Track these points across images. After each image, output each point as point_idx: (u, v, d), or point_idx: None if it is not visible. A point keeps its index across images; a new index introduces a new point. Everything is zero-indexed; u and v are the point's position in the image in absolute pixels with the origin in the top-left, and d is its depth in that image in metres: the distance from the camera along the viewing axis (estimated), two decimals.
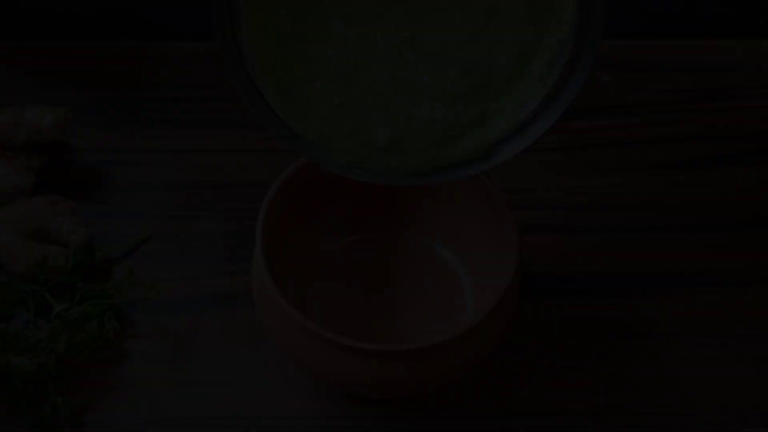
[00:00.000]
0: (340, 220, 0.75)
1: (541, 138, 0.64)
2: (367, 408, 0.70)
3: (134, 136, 0.84)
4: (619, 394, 0.70)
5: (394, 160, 0.64)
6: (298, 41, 0.63)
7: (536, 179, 0.82)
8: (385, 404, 0.70)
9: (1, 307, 0.70)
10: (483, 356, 0.66)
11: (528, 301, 0.74)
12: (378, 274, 0.74)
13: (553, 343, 0.73)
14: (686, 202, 0.81)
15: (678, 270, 0.77)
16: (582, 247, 0.78)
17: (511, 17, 0.63)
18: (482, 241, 0.71)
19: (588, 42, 0.62)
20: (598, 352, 0.72)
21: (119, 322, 0.73)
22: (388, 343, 0.65)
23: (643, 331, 0.74)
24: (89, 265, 0.75)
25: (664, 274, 0.77)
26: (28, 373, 0.68)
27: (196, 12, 0.93)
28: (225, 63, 0.62)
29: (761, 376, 0.72)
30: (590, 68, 0.62)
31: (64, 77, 0.88)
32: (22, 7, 0.93)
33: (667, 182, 0.82)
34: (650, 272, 0.77)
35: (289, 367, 0.71)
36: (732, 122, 0.87)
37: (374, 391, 0.66)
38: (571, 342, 0.73)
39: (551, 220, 0.80)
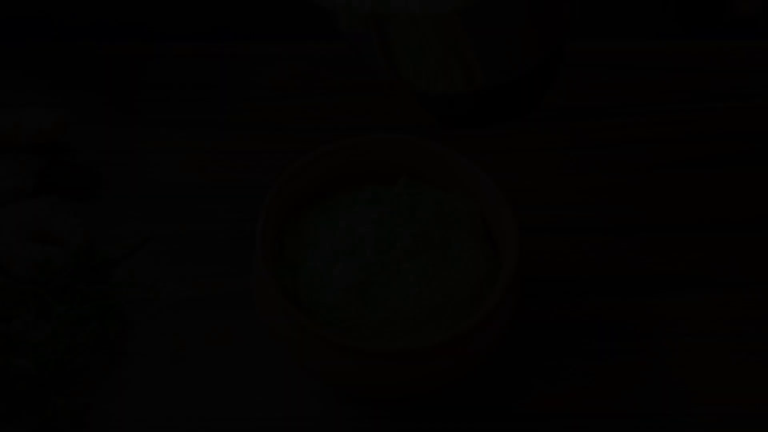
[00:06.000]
0: None
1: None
2: (367, 408, 0.70)
3: (134, 136, 0.84)
4: (620, 395, 0.70)
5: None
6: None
7: (536, 179, 0.82)
8: (385, 404, 0.70)
9: (2, 308, 0.70)
10: (483, 356, 0.66)
11: (528, 301, 0.74)
12: None
13: (554, 343, 0.73)
14: (686, 202, 0.81)
15: (678, 270, 0.77)
16: (582, 247, 0.78)
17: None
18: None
19: None
20: (598, 352, 0.72)
21: (119, 323, 0.73)
22: (387, 343, 0.65)
23: (644, 331, 0.73)
24: (90, 266, 0.75)
25: (664, 274, 0.77)
26: (28, 374, 0.68)
27: (196, 12, 0.93)
28: None
29: (761, 376, 0.72)
30: None
31: (64, 77, 0.88)
32: (22, 7, 0.93)
33: (667, 182, 0.82)
34: (651, 272, 0.77)
35: (290, 367, 0.71)
36: (732, 122, 0.86)
37: (373, 391, 0.66)
38: (572, 342, 0.73)
39: (551, 220, 0.79)
